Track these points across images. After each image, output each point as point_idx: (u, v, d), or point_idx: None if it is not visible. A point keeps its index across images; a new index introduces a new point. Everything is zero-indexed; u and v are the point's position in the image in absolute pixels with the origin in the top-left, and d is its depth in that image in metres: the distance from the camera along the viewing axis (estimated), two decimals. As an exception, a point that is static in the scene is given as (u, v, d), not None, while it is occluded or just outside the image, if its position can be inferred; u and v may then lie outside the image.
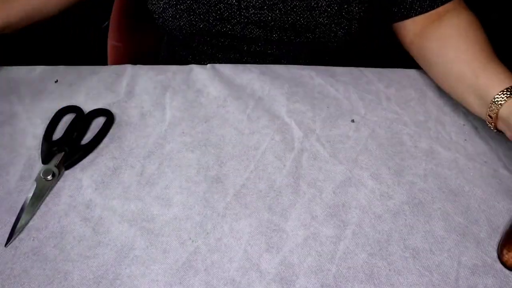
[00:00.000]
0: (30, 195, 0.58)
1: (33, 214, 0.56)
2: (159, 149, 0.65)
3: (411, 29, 0.73)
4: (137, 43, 0.95)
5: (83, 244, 0.54)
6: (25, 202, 0.57)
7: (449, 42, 0.67)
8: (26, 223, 0.55)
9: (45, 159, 0.62)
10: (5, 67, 0.76)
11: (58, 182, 0.60)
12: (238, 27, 0.72)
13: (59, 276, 0.51)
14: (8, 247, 0.53)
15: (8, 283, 0.50)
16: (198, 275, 0.52)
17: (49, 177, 0.60)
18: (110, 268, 0.52)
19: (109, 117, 0.67)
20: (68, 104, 0.70)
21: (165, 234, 0.55)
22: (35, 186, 0.59)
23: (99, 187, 0.60)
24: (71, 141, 0.64)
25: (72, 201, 0.58)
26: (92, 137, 0.65)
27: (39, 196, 0.58)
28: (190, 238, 0.55)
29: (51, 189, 0.59)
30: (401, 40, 0.75)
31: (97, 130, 0.66)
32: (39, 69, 0.75)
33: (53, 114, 0.68)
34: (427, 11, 0.71)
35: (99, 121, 0.67)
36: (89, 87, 0.73)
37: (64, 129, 0.66)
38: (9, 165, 0.62)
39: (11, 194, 0.59)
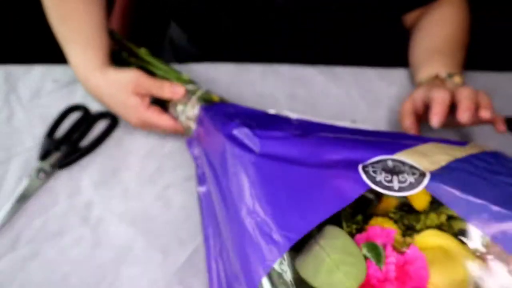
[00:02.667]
0: (19, 191, 0.57)
1: (15, 212, 0.56)
2: (159, 148, 0.64)
3: (408, 19, 0.77)
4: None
5: (82, 245, 0.54)
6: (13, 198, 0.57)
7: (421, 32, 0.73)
8: (5, 222, 0.55)
9: (42, 156, 0.61)
10: (4, 66, 0.76)
11: (56, 182, 0.60)
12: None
13: (58, 276, 0.51)
14: (8, 247, 0.53)
15: (7, 284, 0.50)
16: (198, 275, 0.51)
17: (41, 175, 0.59)
18: (109, 269, 0.52)
19: (113, 121, 0.66)
20: (68, 104, 0.70)
21: (165, 235, 0.55)
22: (26, 182, 0.58)
23: (99, 187, 0.60)
24: (71, 141, 0.64)
25: (71, 201, 0.58)
26: (92, 139, 0.64)
27: (27, 193, 0.57)
28: (189, 238, 0.54)
29: (40, 188, 0.59)
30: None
31: (98, 132, 0.65)
32: (37, 68, 0.74)
33: (52, 113, 0.68)
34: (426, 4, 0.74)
35: (102, 124, 0.67)
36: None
37: (68, 128, 0.66)
38: (7, 164, 0.62)
39: (10, 194, 0.58)
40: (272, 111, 0.62)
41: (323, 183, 0.40)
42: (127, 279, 0.51)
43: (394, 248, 0.39)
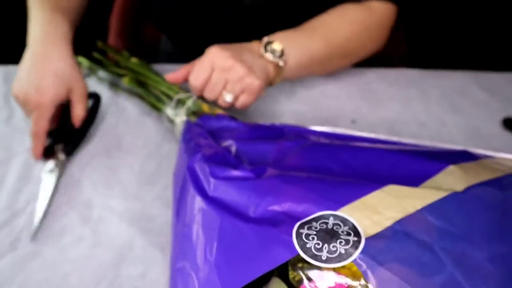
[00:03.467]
0: (50, 184, 0.59)
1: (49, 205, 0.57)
2: (159, 148, 0.64)
3: None
4: (137, 42, 0.95)
5: (82, 244, 0.54)
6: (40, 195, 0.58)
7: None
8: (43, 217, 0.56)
9: (46, 154, 0.62)
10: (3, 66, 0.76)
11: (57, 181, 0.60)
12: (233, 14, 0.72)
13: (58, 276, 0.51)
14: (8, 247, 0.53)
15: (7, 283, 0.50)
16: (198, 275, 0.51)
17: (54, 170, 0.60)
18: (109, 268, 0.52)
19: (96, 100, 0.67)
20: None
21: (165, 234, 0.55)
22: (54, 175, 0.60)
23: (98, 187, 0.60)
24: (65, 130, 0.64)
25: (71, 201, 0.58)
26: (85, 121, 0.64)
27: (53, 186, 0.59)
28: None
29: (60, 179, 0.60)
30: None
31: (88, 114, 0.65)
32: (38, 69, 0.74)
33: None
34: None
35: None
36: (88, 87, 0.72)
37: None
38: (7, 164, 0.62)
39: (10, 194, 0.58)
40: (261, 122, 0.62)
41: (256, 244, 0.40)
42: (127, 279, 0.51)
43: None
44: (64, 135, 0.63)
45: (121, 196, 0.59)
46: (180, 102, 0.62)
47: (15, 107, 0.70)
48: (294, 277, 0.39)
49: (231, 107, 0.61)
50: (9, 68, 0.76)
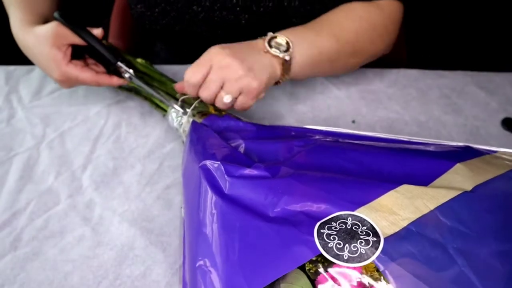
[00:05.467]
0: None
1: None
2: (160, 148, 0.64)
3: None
4: (137, 43, 0.95)
5: (83, 244, 0.54)
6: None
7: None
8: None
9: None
10: (5, 66, 0.76)
11: (57, 181, 0.60)
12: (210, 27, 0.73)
13: (59, 276, 0.51)
14: (9, 247, 0.53)
15: (8, 283, 0.50)
16: (199, 275, 0.51)
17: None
18: (110, 268, 0.52)
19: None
20: (69, 104, 0.70)
21: (165, 234, 0.55)
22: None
23: (99, 187, 0.60)
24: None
25: (72, 201, 0.58)
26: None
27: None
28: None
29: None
30: None
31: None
32: (38, 69, 0.74)
33: (53, 113, 0.68)
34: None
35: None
36: (88, 87, 0.73)
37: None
38: (8, 164, 0.62)
39: (10, 194, 0.59)
40: (266, 122, 0.62)
41: (278, 244, 0.41)
42: (128, 279, 0.51)
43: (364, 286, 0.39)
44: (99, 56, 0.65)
45: (122, 196, 0.59)
46: (186, 103, 0.62)
47: (16, 108, 0.70)
48: (310, 269, 0.40)
49: (230, 109, 0.60)
50: (11, 68, 0.76)
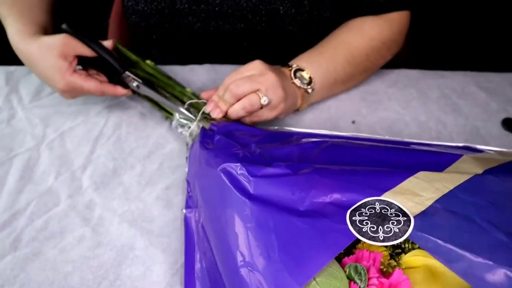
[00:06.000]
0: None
1: None
2: (160, 149, 0.64)
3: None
4: (136, 45, 0.95)
5: (83, 245, 0.54)
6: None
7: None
8: None
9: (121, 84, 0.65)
10: (5, 67, 0.76)
11: (57, 182, 0.60)
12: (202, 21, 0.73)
13: (59, 276, 0.51)
14: (9, 247, 0.53)
15: (8, 284, 0.50)
16: (199, 275, 0.51)
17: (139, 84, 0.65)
18: (110, 269, 0.52)
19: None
20: (69, 104, 0.70)
21: (165, 235, 0.55)
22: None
23: (99, 187, 0.60)
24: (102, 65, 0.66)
25: (73, 201, 0.58)
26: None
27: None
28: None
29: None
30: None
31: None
32: (39, 69, 0.74)
33: (53, 114, 0.68)
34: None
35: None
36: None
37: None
38: (8, 165, 0.62)
39: (10, 194, 0.59)
40: (274, 128, 0.63)
41: (314, 237, 0.42)
42: (128, 279, 0.51)
43: (381, 271, 0.41)
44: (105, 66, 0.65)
45: (122, 197, 0.59)
46: (193, 107, 0.62)
47: (16, 108, 0.70)
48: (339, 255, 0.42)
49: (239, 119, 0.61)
50: (10, 68, 0.76)
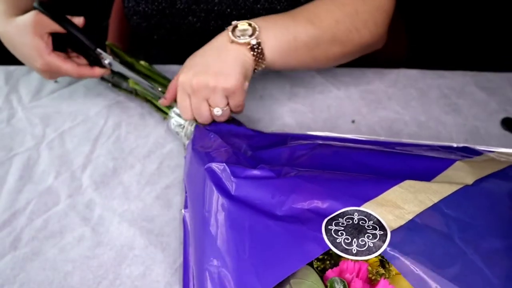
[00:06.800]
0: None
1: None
2: (159, 148, 0.65)
3: None
4: (136, 44, 0.95)
5: (83, 244, 0.54)
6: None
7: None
8: None
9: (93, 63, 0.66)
10: (5, 66, 0.76)
11: (57, 181, 0.60)
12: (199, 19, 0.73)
13: (59, 276, 0.51)
14: (9, 247, 0.53)
15: (8, 283, 0.50)
16: (199, 275, 0.51)
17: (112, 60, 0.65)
18: (110, 268, 0.52)
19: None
20: (69, 104, 0.70)
21: (165, 234, 0.55)
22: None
23: (99, 187, 0.60)
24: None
25: (72, 201, 0.58)
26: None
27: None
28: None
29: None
30: None
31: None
32: (39, 69, 0.74)
33: (53, 113, 0.68)
34: None
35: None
36: (88, 87, 0.73)
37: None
38: (8, 165, 0.62)
39: (10, 194, 0.59)
40: (272, 130, 0.63)
41: (287, 241, 0.41)
42: (128, 279, 0.51)
43: (370, 280, 0.40)
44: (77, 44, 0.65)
45: (122, 196, 0.59)
46: None
47: (16, 107, 0.70)
48: (318, 267, 0.41)
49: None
50: (10, 68, 0.76)
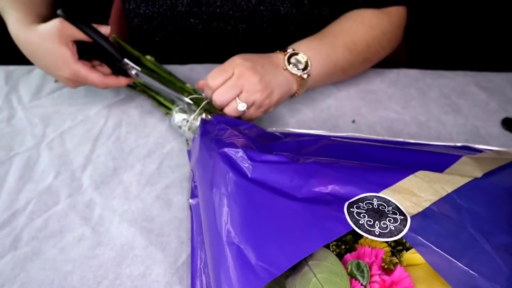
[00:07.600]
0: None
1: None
2: (159, 148, 0.64)
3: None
4: (136, 45, 0.95)
5: (83, 244, 0.54)
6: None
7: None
8: None
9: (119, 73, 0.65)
10: (5, 66, 0.76)
11: (57, 181, 0.60)
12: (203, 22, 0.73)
13: (59, 276, 0.51)
14: (9, 247, 0.53)
15: (8, 283, 0.50)
16: (199, 275, 0.51)
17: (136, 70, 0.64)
18: (110, 268, 0.52)
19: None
20: (69, 104, 0.70)
21: (165, 234, 0.55)
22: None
23: (99, 187, 0.60)
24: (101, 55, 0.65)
25: (72, 201, 0.58)
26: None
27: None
28: (189, 238, 0.54)
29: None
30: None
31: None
32: (38, 69, 0.74)
33: (53, 113, 0.68)
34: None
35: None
36: (89, 87, 0.73)
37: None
38: (8, 164, 0.62)
39: (10, 194, 0.59)
40: (272, 129, 0.63)
41: (309, 219, 0.42)
42: (128, 279, 0.51)
43: (383, 268, 0.41)
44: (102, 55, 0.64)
45: (122, 196, 0.59)
46: (194, 103, 0.62)
47: (16, 107, 0.70)
48: (333, 251, 0.42)
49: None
50: (10, 68, 0.76)
